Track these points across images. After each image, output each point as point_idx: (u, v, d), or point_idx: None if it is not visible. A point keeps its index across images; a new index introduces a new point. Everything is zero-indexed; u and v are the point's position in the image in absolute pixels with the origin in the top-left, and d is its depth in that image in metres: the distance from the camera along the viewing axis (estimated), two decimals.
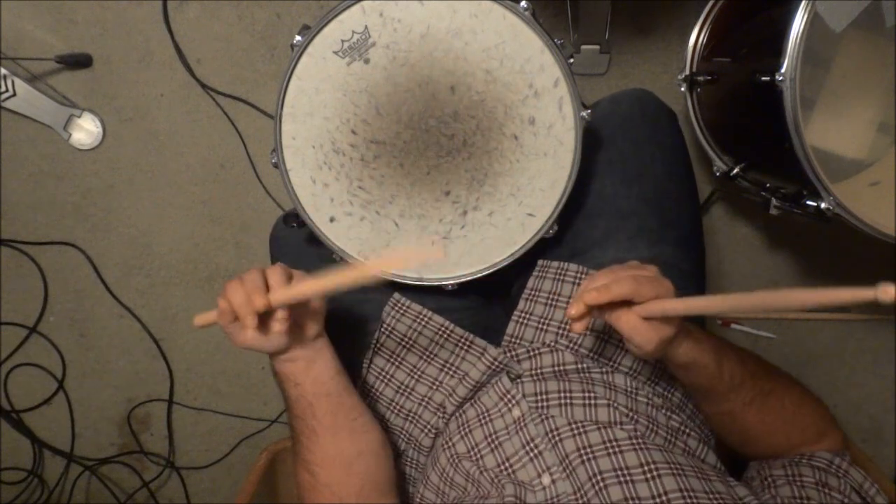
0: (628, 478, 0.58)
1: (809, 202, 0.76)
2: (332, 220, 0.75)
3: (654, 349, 0.56)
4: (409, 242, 0.75)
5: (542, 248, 0.78)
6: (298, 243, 0.82)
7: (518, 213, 0.74)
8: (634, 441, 0.61)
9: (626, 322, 0.56)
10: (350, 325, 0.81)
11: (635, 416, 0.65)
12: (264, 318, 0.59)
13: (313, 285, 0.59)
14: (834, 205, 0.73)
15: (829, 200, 0.73)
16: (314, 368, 0.65)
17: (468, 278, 0.76)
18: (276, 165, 0.73)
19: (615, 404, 0.65)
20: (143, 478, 1.41)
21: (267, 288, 0.59)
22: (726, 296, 0.49)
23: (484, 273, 0.76)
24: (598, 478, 0.59)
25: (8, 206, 1.26)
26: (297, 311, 0.63)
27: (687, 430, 0.68)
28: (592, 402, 0.66)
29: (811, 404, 0.68)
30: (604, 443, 0.61)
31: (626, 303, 0.56)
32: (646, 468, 0.58)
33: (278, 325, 0.59)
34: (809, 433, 0.67)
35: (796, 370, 1.33)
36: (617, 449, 0.60)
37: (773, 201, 0.85)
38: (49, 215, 1.27)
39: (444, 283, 0.76)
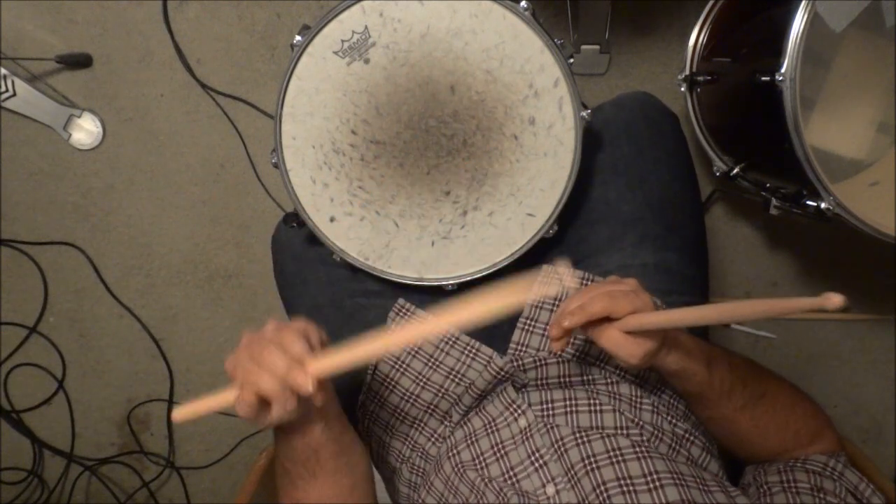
0: (631, 487, 0.58)
1: (809, 202, 0.76)
2: (332, 220, 0.75)
3: (638, 362, 0.56)
4: (408, 242, 0.75)
5: (542, 249, 0.78)
6: (300, 245, 0.82)
7: (518, 213, 0.74)
8: (638, 450, 0.61)
9: (608, 338, 0.56)
10: (354, 332, 0.81)
11: (640, 423, 0.65)
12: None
13: (365, 348, 0.51)
14: (834, 205, 0.73)
15: (829, 200, 0.73)
16: (327, 425, 0.60)
17: (468, 278, 0.76)
18: (276, 165, 0.73)
19: (620, 411, 0.65)
20: (143, 478, 1.41)
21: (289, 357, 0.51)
22: (697, 307, 0.50)
23: (484, 273, 0.76)
24: (602, 488, 0.59)
25: (8, 206, 1.26)
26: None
27: (691, 439, 0.68)
28: (598, 408, 0.66)
29: (804, 406, 0.68)
30: (607, 452, 0.61)
31: (608, 319, 0.56)
32: (649, 478, 0.58)
33: (319, 397, 0.52)
34: (803, 435, 0.66)
35: (796, 370, 1.33)
36: (621, 458, 0.60)
37: (773, 201, 0.85)
38: (49, 215, 1.27)
39: (444, 283, 0.76)
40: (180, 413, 0.53)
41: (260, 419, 0.53)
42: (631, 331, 0.55)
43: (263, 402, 0.51)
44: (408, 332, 0.53)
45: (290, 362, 0.50)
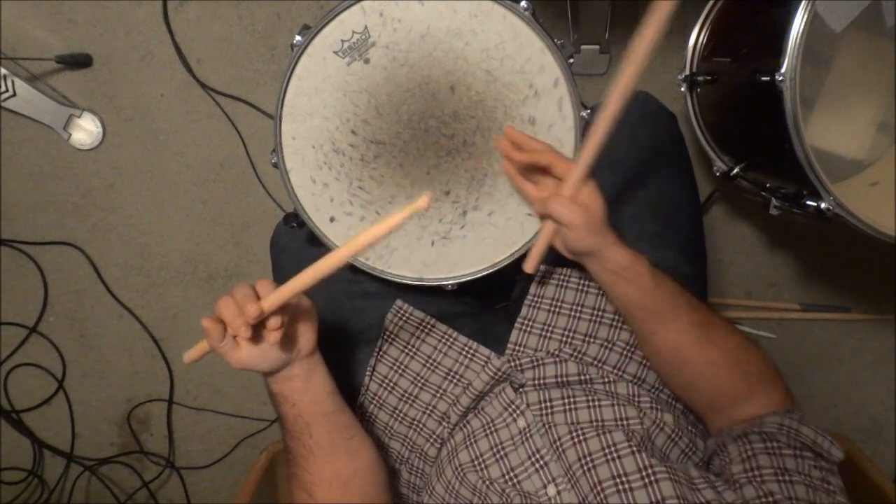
0: (627, 485, 0.58)
1: (809, 202, 0.76)
2: (332, 220, 0.75)
3: (584, 223, 0.62)
4: (408, 242, 0.75)
5: None
6: (299, 246, 0.82)
7: (518, 213, 0.74)
8: (633, 444, 0.61)
9: (556, 200, 0.63)
10: (352, 334, 0.81)
11: (640, 418, 0.65)
12: (258, 333, 0.58)
13: (304, 277, 0.56)
14: (834, 205, 0.73)
15: (829, 200, 0.73)
16: (311, 386, 0.64)
17: (468, 278, 0.76)
18: (276, 165, 0.73)
19: (619, 405, 0.66)
20: (143, 478, 1.41)
21: (258, 298, 0.57)
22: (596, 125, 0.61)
23: (484, 273, 0.76)
24: (599, 487, 0.59)
25: (8, 206, 1.26)
26: (292, 326, 0.61)
27: (685, 436, 0.68)
28: (597, 405, 0.66)
29: (756, 353, 0.67)
30: (602, 449, 0.61)
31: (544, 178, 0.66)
32: (643, 473, 0.58)
33: (273, 335, 0.57)
34: (754, 380, 0.66)
35: (796, 370, 1.33)
36: (615, 455, 0.60)
37: (773, 201, 0.85)
38: (49, 215, 1.27)
39: (443, 283, 0.76)
40: (189, 355, 0.61)
41: (230, 352, 0.58)
42: (574, 189, 0.63)
43: (231, 339, 0.58)
44: (337, 253, 0.56)
45: (247, 297, 0.56)
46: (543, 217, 0.68)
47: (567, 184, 0.63)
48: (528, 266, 0.69)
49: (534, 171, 0.68)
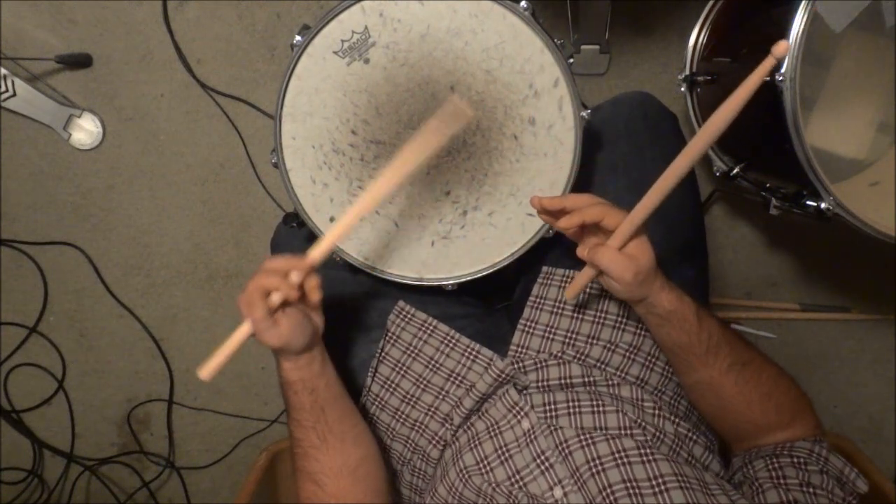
0: (637, 490, 0.58)
1: (809, 202, 0.76)
2: (332, 220, 0.75)
3: (632, 279, 0.59)
4: (408, 242, 0.75)
5: (542, 250, 0.78)
6: (300, 248, 0.82)
7: (518, 213, 0.74)
8: (642, 451, 0.61)
9: (603, 254, 0.60)
10: (353, 334, 0.81)
11: (643, 424, 0.65)
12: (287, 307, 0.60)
13: (346, 221, 0.60)
14: (834, 205, 0.73)
15: (829, 200, 0.73)
16: (327, 369, 0.65)
17: (468, 278, 0.76)
18: (276, 165, 0.73)
19: (623, 412, 0.66)
20: (143, 478, 1.41)
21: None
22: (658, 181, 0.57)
23: (484, 273, 0.76)
24: (609, 490, 0.59)
25: (8, 206, 1.26)
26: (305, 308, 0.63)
27: (693, 438, 0.68)
28: (601, 409, 0.66)
29: (787, 382, 0.68)
30: (612, 454, 0.61)
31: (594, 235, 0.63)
32: (654, 482, 0.58)
33: (315, 293, 0.61)
34: (785, 411, 0.66)
35: (796, 370, 1.33)
36: (626, 460, 0.61)
37: (773, 201, 0.85)
38: (49, 215, 1.27)
39: (443, 283, 0.76)
40: (206, 370, 0.59)
41: (269, 330, 0.58)
42: (623, 243, 0.60)
43: (271, 316, 0.58)
44: (361, 201, 0.60)
45: (284, 265, 0.59)
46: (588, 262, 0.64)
47: (617, 236, 0.60)
48: (569, 295, 0.68)
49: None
